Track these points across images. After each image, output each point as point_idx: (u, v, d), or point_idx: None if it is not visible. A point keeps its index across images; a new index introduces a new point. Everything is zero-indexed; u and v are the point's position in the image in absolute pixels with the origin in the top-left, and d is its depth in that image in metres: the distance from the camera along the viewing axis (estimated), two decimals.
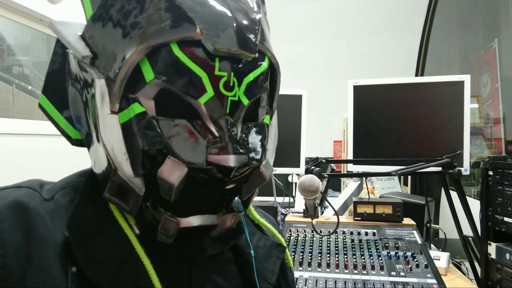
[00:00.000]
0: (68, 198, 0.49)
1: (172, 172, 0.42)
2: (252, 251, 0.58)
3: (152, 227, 0.46)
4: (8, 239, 0.41)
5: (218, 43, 0.41)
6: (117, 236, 0.46)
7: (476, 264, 1.36)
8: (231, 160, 0.43)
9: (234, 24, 0.43)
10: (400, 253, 1.19)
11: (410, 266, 1.13)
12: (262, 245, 0.61)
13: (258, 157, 0.48)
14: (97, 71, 0.44)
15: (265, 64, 0.47)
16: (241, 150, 0.45)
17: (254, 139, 0.48)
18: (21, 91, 2.83)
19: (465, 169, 1.42)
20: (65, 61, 0.53)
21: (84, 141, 0.52)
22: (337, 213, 1.16)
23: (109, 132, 0.43)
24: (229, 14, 0.43)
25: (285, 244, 0.64)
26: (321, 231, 1.33)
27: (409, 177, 3.22)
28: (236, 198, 0.54)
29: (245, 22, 0.44)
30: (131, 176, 0.43)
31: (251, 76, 0.45)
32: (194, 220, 0.45)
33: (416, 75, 3.83)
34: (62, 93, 0.54)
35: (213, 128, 0.43)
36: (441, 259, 1.33)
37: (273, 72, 0.51)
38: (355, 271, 1.12)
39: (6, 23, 2.60)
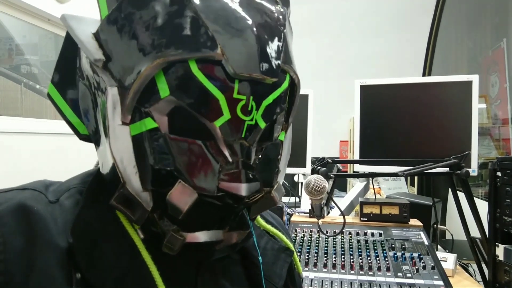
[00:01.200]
0: (73, 201, 0.48)
1: (182, 198, 0.40)
2: (259, 256, 0.56)
3: (157, 233, 0.45)
4: (10, 244, 0.40)
5: (239, 67, 0.39)
6: (122, 241, 0.45)
7: (484, 266, 1.35)
8: (243, 189, 0.41)
9: (257, 46, 0.40)
10: (407, 254, 1.18)
11: (416, 267, 1.12)
12: (270, 248, 0.60)
13: (270, 183, 0.47)
14: (109, 77, 0.41)
15: (285, 84, 0.45)
16: (253, 178, 0.42)
17: (267, 162, 0.46)
18: (29, 90, 2.86)
19: (473, 170, 1.41)
20: (76, 51, 0.50)
21: (91, 137, 0.51)
22: (343, 214, 1.16)
23: (120, 143, 0.41)
24: (254, 33, 0.40)
25: (293, 248, 0.63)
26: (327, 232, 1.33)
27: (416, 177, 3.20)
28: None
29: (269, 41, 0.41)
30: (139, 190, 0.42)
31: (270, 99, 0.43)
32: (200, 236, 0.44)
33: (424, 75, 3.81)
34: (71, 84, 0.52)
35: (226, 153, 0.42)
36: (448, 260, 1.32)
37: (292, 87, 0.49)
38: (361, 272, 1.12)
39: (15, 23, 2.62)
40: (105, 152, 0.45)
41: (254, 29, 0.41)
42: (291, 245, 0.63)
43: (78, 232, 0.44)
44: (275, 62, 0.42)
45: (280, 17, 0.44)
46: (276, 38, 0.42)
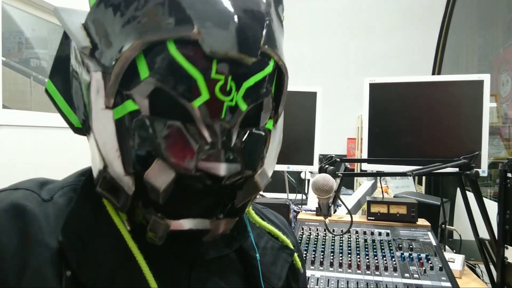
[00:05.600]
0: (66, 199, 0.48)
1: (159, 176, 0.40)
2: (257, 255, 0.55)
3: (145, 227, 0.45)
4: (4, 244, 0.41)
5: (215, 46, 0.39)
6: (115, 238, 0.45)
7: (492, 267, 1.34)
8: (221, 169, 0.41)
9: (236, 25, 0.40)
10: (414, 255, 1.17)
11: (424, 268, 1.11)
12: (270, 248, 0.59)
13: (253, 166, 0.46)
14: (95, 63, 0.42)
15: (269, 68, 0.44)
16: (233, 158, 0.42)
17: (251, 146, 0.45)
18: (38, 83, 2.88)
19: (483, 171, 1.39)
20: (70, 47, 0.52)
21: (82, 129, 0.51)
22: (350, 213, 1.15)
23: (102, 127, 0.42)
24: (232, 13, 0.40)
25: (292, 247, 0.61)
26: (333, 230, 1.32)
27: (424, 176, 3.18)
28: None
29: (249, 22, 0.41)
30: (121, 174, 0.42)
31: (251, 81, 0.42)
32: (185, 224, 0.43)
33: (433, 73, 3.77)
34: (67, 80, 0.53)
35: (206, 133, 0.41)
36: (456, 261, 1.31)
37: (280, 75, 0.48)
38: (368, 272, 1.11)
39: (25, 17, 2.64)
40: (92, 141, 0.45)
41: (233, 10, 0.40)
42: (289, 243, 0.61)
43: (69, 230, 0.44)
44: (255, 43, 0.41)
45: (265, 2, 0.44)
46: (258, 19, 0.42)
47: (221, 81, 0.40)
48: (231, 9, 0.40)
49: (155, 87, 0.40)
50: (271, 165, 0.51)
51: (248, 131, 0.45)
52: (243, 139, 0.44)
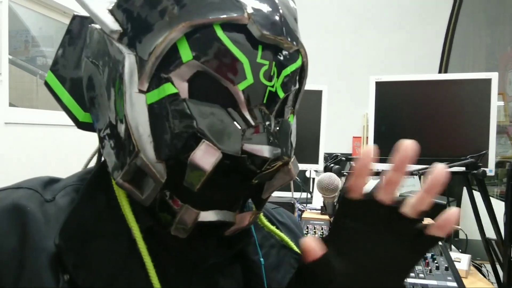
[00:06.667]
0: (67, 200, 0.47)
1: (206, 157, 0.39)
2: (261, 259, 0.53)
3: (151, 230, 0.44)
4: (2, 245, 0.40)
5: (265, 29, 0.40)
6: (115, 240, 0.44)
7: (498, 267, 1.33)
8: (266, 151, 0.40)
9: (280, 13, 0.42)
10: None
11: (429, 268, 1.11)
12: (276, 251, 0.57)
13: (290, 153, 0.46)
14: (126, 47, 0.41)
15: (299, 61, 0.45)
16: (275, 143, 0.42)
17: (284, 134, 0.45)
18: None
19: (490, 170, 1.38)
20: (80, 38, 0.51)
21: (94, 125, 0.49)
22: None
23: (136, 111, 0.40)
24: (277, 3, 0.42)
25: (299, 251, 0.57)
26: None
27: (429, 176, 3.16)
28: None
29: (289, 13, 0.44)
30: (153, 160, 0.40)
31: (288, 70, 0.43)
32: (212, 215, 0.42)
33: (440, 71, 3.75)
34: (72, 71, 0.51)
35: (249, 117, 0.41)
36: (462, 261, 1.30)
37: (301, 72, 0.48)
38: None
39: (31, 15, 2.65)
40: (112, 134, 0.44)
41: (277, 1, 0.43)
42: (295, 248, 0.58)
43: (68, 233, 0.43)
44: (296, 32, 0.44)
45: (293, 3, 0.47)
46: (294, 14, 0.45)
47: (266, 66, 0.41)
48: (276, 1, 0.43)
49: (197, 70, 0.40)
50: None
51: (280, 120, 0.45)
52: (277, 128, 0.44)
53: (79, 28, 0.52)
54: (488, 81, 1.41)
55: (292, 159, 0.47)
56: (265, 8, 0.41)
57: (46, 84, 0.52)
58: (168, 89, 0.40)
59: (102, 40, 0.44)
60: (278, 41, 0.41)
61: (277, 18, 0.41)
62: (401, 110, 1.56)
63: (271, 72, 0.41)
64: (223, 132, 0.40)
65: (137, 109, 0.40)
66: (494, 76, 1.41)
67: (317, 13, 3.84)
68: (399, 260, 0.43)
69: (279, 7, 0.42)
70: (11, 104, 2.29)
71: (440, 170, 0.41)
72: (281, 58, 0.42)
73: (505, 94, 2.80)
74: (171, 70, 0.40)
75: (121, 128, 0.42)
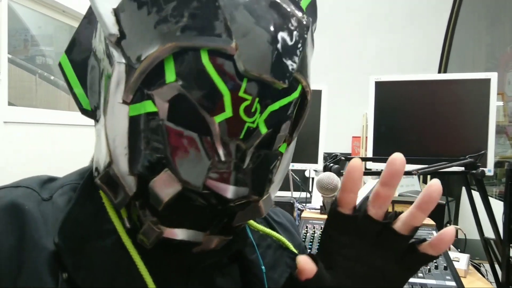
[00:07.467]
0: (65, 198, 0.46)
1: (164, 187, 0.39)
2: (263, 267, 0.53)
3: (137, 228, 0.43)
4: (1, 243, 0.40)
5: (250, 65, 0.37)
6: (113, 239, 0.44)
7: (497, 267, 1.33)
8: (229, 191, 0.39)
9: (273, 47, 0.38)
10: None
11: (428, 267, 1.11)
12: (273, 250, 0.56)
13: (260, 191, 0.44)
14: (120, 54, 0.40)
15: (296, 93, 0.43)
16: (243, 181, 0.40)
17: (262, 170, 0.43)
18: (44, 81, 2.89)
19: (489, 170, 1.38)
20: (94, 25, 0.49)
21: (92, 113, 0.48)
22: None
23: (116, 121, 0.40)
24: (272, 33, 0.38)
25: (296, 251, 0.58)
26: None
27: (429, 175, 3.17)
28: None
29: (286, 45, 0.40)
30: (125, 173, 0.40)
31: (276, 105, 0.41)
32: (178, 233, 0.41)
33: (439, 71, 3.75)
34: (84, 57, 0.50)
35: (221, 151, 0.39)
36: (460, 260, 1.30)
37: (303, 99, 0.46)
38: None
39: (31, 14, 2.65)
40: (101, 131, 0.43)
41: (273, 30, 0.39)
42: (291, 247, 0.58)
43: (66, 232, 0.43)
44: (289, 68, 0.40)
45: (304, 25, 0.42)
46: (295, 45, 0.40)
47: (248, 101, 0.39)
48: (272, 29, 0.39)
49: (179, 93, 0.38)
50: (275, 188, 0.49)
51: (262, 154, 0.43)
52: (255, 162, 0.42)
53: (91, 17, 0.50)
54: (487, 81, 1.42)
55: (264, 197, 0.45)
56: (257, 39, 0.38)
57: (60, 66, 0.51)
58: (148, 106, 0.39)
59: (104, 40, 0.43)
60: (263, 79, 0.38)
61: (267, 52, 0.38)
62: (400, 110, 1.57)
63: (252, 108, 0.39)
64: (190, 163, 0.39)
65: (117, 120, 0.40)
66: (493, 76, 1.41)
67: (318, 12, 3.84)
68: (391, 275, 0.42)
69: (276, 38, 0.39)
70: (10, 103, 2.28)
71: (434, 185, 0.39)
72: (269, 93, 0.40)
73: (505, 94, 2.81)
74: (154, 88, 0.39)
75: (102, 134, 0.41)
